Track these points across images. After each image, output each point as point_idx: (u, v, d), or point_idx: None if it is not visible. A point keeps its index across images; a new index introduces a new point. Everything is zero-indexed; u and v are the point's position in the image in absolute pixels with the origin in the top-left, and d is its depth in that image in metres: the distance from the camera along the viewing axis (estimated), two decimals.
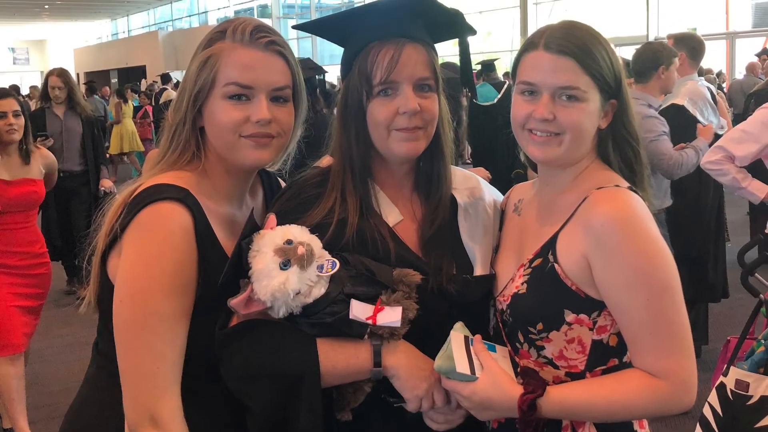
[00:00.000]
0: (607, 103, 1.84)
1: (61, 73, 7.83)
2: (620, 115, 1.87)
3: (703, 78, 6.36)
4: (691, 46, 5.77)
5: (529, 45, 1.86)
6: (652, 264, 1.67)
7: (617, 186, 1.79)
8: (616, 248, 1.67)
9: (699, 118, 5.52)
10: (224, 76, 1.82)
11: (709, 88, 6.01)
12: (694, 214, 5.69)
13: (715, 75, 14.51)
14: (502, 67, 13.03)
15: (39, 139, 6.65)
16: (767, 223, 4.65)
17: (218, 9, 36.78)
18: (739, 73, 15.82)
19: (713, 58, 16.69)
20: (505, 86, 10.29)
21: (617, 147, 1.89)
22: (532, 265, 1.82)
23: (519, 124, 1.85)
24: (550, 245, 1.81)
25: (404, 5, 1.87)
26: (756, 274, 3.93)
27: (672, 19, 17.66)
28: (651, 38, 16.24)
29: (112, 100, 18.75)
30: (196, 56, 1.88)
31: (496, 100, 9.67)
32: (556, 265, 1.77)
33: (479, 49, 19.78)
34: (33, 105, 13.51)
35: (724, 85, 14.51)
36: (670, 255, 1.71)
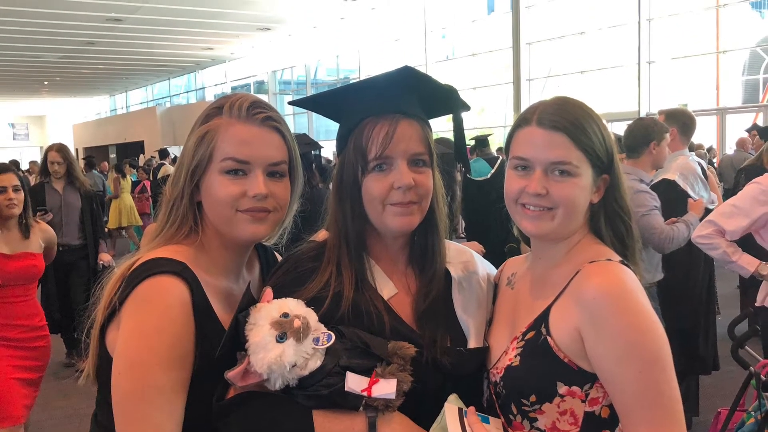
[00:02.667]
0: (599, 178, 1.86)
1: (60, 149, 7.89)
2: (612, 190, 1.89)
3: (693, 153, 6.44)
4: (682, 121, 5.84)
5: (522, 120, 1.88)
6: (644, 337, 1.67)
7: (609, 260, 1.80)
8: (608, 322, 1.67)
9: (690, 192, 5.56)
10: (221, 151, 1.85)
11: (699, 163, 6.06)
12: (685, 288, 5.72)
13: (705, 150, 14.62)
14: (496, 142, 13.13)
15: (38, 213, 6.68)
16: (757, 296, 4.65)
17: (215, 85, 37.06)
18: (730, 149, 15.93)
19: (704, 134, 16.86)
20: (499, 161, 10.42)
21: (609, 221, 1.90)
22: (525, 338, 1.82)
23: (512, 198, 1.87)
24: (543, 318, 1.81)
25: (399, 82, 1.90)
26: (746, 347, 3.93)
27: (663, 95, 17.87)
28: (642, 114, 16.51)
29: (110, 175, 18.78)
30: (194, 132, 1.91)
31: (489, 175, 9.75)
32: (548, 338, 1.77)
33: (473, 125, 19.94)
34: (33, 180, 13.56)
35: (714, 160, 14.63)
36: (661, 328, 1.71)
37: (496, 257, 2.34)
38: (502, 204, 1.94)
